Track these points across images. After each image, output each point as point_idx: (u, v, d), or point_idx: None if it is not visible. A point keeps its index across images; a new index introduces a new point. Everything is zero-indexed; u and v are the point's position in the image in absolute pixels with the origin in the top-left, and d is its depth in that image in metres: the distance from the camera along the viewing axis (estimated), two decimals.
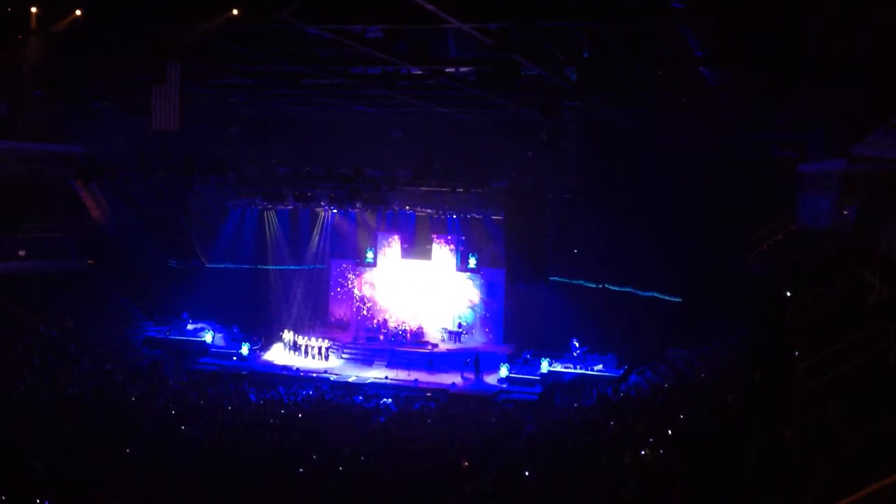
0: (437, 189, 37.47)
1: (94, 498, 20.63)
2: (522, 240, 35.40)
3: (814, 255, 24.10)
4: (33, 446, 22.83)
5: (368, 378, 34.77)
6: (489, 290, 40.18)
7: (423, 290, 41.31)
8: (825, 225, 25.05)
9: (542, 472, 22.24)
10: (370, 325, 40.49)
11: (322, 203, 40.03)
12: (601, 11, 17.74)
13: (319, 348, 37.68)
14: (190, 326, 38.90)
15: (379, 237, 42.28)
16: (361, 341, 39.63)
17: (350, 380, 34.53)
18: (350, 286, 42.26)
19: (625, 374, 33.84)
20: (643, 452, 20.52)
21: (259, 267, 44.38)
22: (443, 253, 41.05)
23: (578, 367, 34.70)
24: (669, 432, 22.66)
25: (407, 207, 41.12)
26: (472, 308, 40.44)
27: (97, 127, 36.20)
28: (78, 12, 19.82)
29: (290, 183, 39.11)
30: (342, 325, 41.75)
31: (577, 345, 37.01)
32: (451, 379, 34.91)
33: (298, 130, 40.47)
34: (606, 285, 39.53)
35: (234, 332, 39.40)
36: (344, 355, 38.24)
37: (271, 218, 43.75)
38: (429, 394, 32.84)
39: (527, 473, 22.28)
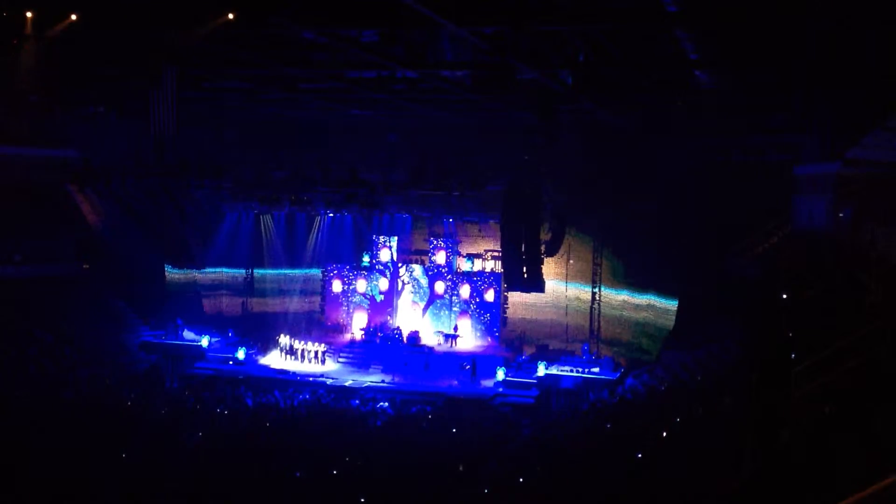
0: (433, 192, 37.44)
1: (88, 502, 20.58)
2: (519, 243, 35.36)
3: (809, 257, 24.16)
4: (29, 451, 22.74)
5: (365, 382, 34.74)
6: (486, 293, 40.18)
7: (419, 293, 41.33)
8: (820, 227, 25.10)
9: (538, 475, 22.23)
10: (366, 329, 40.45)
11: (318, 207, 39.97)
12: (596, 15, 17.79)
13: (316, 352, 37.63)
14: (187, 334, 38.78)
15: (375, 241, 42.29)
16: (358, 345, 39.59)
17: (346, 384, 34.50)
18: (346, 290, 42.24)
19: (621, 377, 33.83)
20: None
21: (255, 271, 44.39)
22: (439, 256, 41.08)
23: (575, 370, 34.68)
24: (665, 434, 22.68)
25: (403, 211, 41.09)
26: (469, 312, 40.44)
27: (93, 131, 36.19)
28: (73, 17, 19.83)
29: (285, 187, 39.06)
30: (338, 329, 41.72)
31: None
32: (448, 382, 34.89)
33: (294, 134, 40.50)
34: (602, 288, 39.64)
35: (231, 337, 39.34)
36: (340, 359, 38.19)
37: (267, 222, 43.73)
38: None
39: (523, 477, 22.27)
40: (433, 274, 41.08)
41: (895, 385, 11.25)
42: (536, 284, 36.26)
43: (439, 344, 39.38)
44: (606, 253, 39.36)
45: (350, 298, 42.15)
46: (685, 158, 33.91)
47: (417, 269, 41.49)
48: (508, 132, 36.78)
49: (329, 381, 34.68)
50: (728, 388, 23.28)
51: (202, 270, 42.40)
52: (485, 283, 40.27)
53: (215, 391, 33.35)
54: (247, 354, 37.57)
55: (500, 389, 34.12)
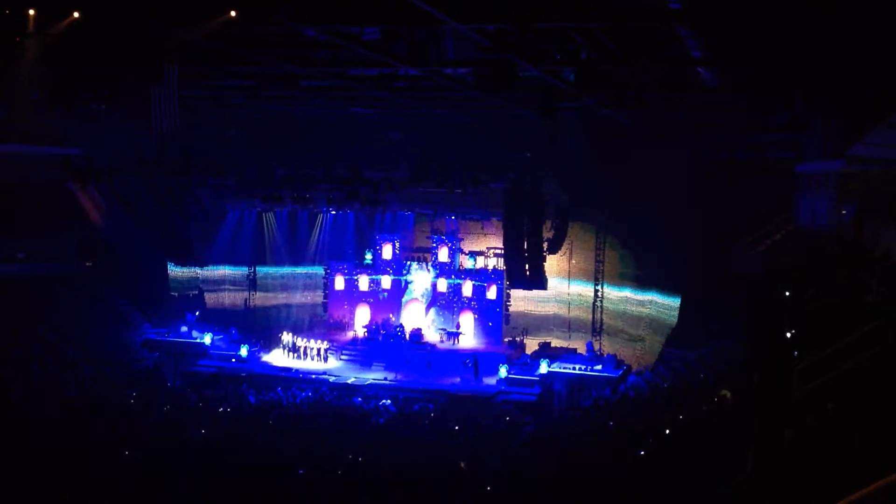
0: (436, 190, 37.46)
1: (91, 501, 20.60)
2: (521, 241, 35.39)
3: (812, 255, 24.14)
4: (31, 449, 22.78)
5: (367, 379, 34.75)
6: (488, 290, 40.16)
7: (422, 291, 41.31)
8: (823, 225, 25.09)
9: (541, 472, 22.23)
10: (369, 327, 40.46)
11: (320, 204, 40.01)
12: (599, 12, 17.75)
13: (318, 350, 37.66)
14: (184, 328, 38.73)
15: (377, 238, 42.31)
16: (360, 343, 39.61)
17: (349, 381, 34.51)
18: (348, 287, 42.25)
19: (623, 375, 33.85)
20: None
21: (257, 268, 44.46)
22: (441, 254, 41.07)
23: (577, 367, 34.67)
24: (668, 432, 22.70)
25: (405, 209, 41.10)
26: (471, 309, 40.43)
27: (95, 129, 36.19)
28: (76, 14, 19.82)
29: (288, 185, 39.09)
30: (341, 327, 41.75)
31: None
32: (450, 380, 34.90)
33: (296, 132, 40.48)
34: (605, 286, 39.66)
35: (233, 334, 39.37)
36: (343, 357, 38.22)
37: (269, 219, 43.77)
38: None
39: (525, 475, 22.27)
40: (436, 271, 41.07)
41: None
42: (538, 282, 36.29)
43: (441, 341, 39.38)
44: (609, 250, 39.39)
45: (352, 296, 42.17)
46: (688, 156, 33.89)
47: (420, 267, 41.46)
48: (511, 130, 36.79)
49: (332, 379, 34.70)
50: (731, 385, 23.29)
51: (205, 268, 42.50)
52: (487, 280, 40.24)
53: (218, 389, 33.40)
54: (249, 352, 37.60)
55: (503, 387, 34.12)
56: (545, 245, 36.19)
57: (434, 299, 41.11)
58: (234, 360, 36.95)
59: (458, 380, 34.97)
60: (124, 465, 22.64)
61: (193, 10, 18.82)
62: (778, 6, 16.54)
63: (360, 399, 32.27)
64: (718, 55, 22.02)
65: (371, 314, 41.61)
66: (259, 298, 44.62)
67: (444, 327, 40.03)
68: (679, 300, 35.96)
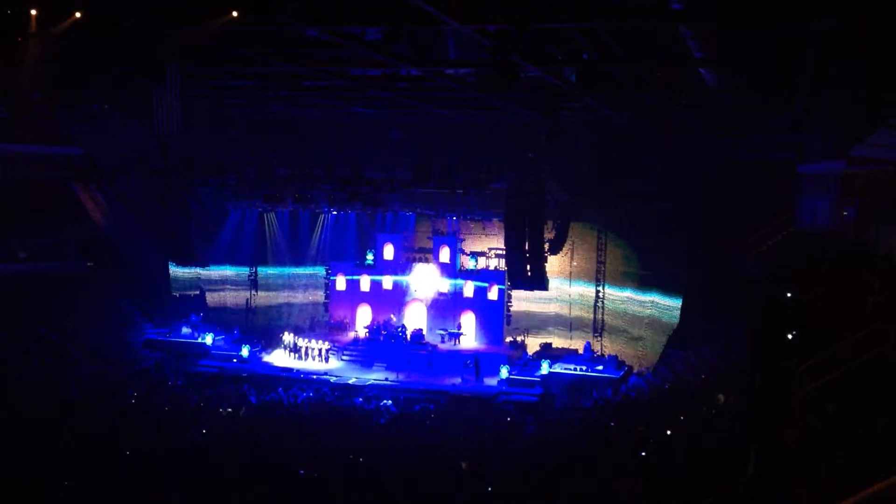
0: (437, 191, 37.46)
1: (92, 501, 20.61)
2: (522, 241, 35.37)
3: (813, 256, 24.13)
4: (32, 448, 22.80)
5: (368, 380, 34.75)
6: (489, 291, 40.15)
7: (423, 291, 41.28)
8: (824, 226, 25.07)
9: (542, 473, 22.24)
10: (370, 327, 40.46)
11: (321, 204, 40.01)
12: (601, 13, 17.77)
13: (319, 350, 37.65)
14: (185, 329, 38.68)
15: (378, 239, 42.32)
16: (361, 343, 39.60)
17: (350, 381, 34.51)
18: (350, 288, 42.24)
19: (625, 376, 33.83)
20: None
21: (259, 268, 44.49)
22: (443, 254, 41.06)
23: (579, 368, 34.65)
24: (669, 433, 22.68)
25: (407, 209, 41.10)
26: (472, 309, 40.42)
27: (97, 129, 36.24)
28: (78, 15, 19.86)
29: (289, 184, 39.12)
30: (342, 327, 41.74)
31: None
32: (451, 380, 34.89)
33: (298, 132, 40.55)
34: (606, 286, 39.66)
35: (235, 335, 39.38)
36: (344, 357, 38.21)
37: (271, 219, 43.79)
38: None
39: (527, 476, 22.27)
40: (436, 272, 41.05)
41: None
42: (540, 282, 36.26)
43: (442, 342, 39.36)
44: (610, 251, 39.40)
45: (354, 296, 42.15)
46: (689, 157, 33.90)
47: (421, 267, 41.45)
48: (512, 130, 36.81)
49: (333, 379, 34.69)
50: (732, 386, 23.27)
51: (206, 268, 42.52)
52: (488, 280, 40.22)
53: (219, 389, 33.40)
54: (251, 352, 37.59)
55: (504, 388, 34.10)
56: (546, 245, 36.17)
57: (435, 299, 41.08)
58: (235, 360, 36.94)
59: (459, 380, 34.95)
60: (124, 465, 22.65)
61: (195, 11, 18.84)
62: (779, 6, 16.54)
63: (361, 399, 32.27)
64: (720, 56, 22.03)
65: (372, 314, 41.60)
66: (260, 298, 44.67)
67: (445, 328, 40.03)
68: (680, 300, 35.96)
